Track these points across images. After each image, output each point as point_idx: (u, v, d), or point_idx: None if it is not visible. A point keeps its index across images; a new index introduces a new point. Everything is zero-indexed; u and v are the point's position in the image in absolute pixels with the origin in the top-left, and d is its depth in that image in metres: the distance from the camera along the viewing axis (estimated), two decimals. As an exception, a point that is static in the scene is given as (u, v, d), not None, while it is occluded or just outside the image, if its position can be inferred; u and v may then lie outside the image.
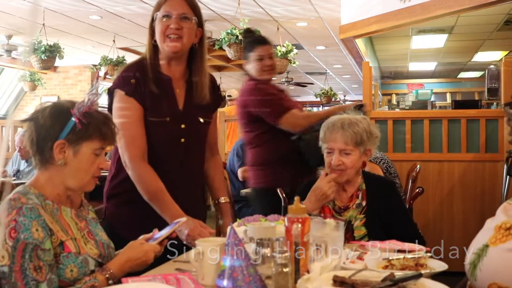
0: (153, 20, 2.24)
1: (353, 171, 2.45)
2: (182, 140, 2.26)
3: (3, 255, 1.52)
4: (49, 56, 7.90)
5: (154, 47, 2.25)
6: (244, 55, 3.63)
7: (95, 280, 1.66)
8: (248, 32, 3.88)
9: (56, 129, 1.69)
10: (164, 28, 2.20)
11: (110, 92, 2.24)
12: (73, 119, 1.69)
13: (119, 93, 2.21)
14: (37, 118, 1.72)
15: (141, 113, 2.20)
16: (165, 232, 1.87)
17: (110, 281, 1.67)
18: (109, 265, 1.73)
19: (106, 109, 2.18)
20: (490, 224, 1.57)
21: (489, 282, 1.46)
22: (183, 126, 2.26)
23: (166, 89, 2.25)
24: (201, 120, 2.34)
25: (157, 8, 2.24)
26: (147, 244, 1.83)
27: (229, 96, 8.95)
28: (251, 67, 3.51)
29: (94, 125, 1.72)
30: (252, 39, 3.63)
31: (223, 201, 2.53)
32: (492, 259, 1.46)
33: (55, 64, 8.57)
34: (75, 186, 1.74)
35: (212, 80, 2.42)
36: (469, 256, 1.56)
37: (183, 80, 2.32)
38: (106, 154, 1.95)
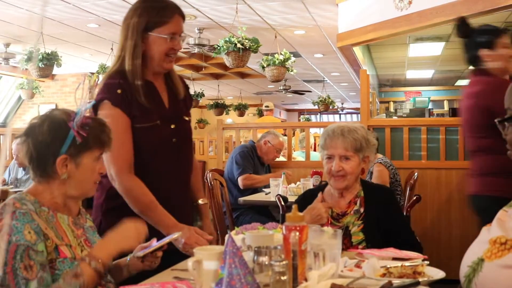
0: (145, 30, 2.18)
1: (352, 177, 2.48)
2: (174, 140, 2.28)
3: None
4: (47, 64, 7.91)
5: (139, 56, 2.20)
6: (472, 46, 3.14)
7: (77, 267, 1.63)
8: (464, 22, 3.26)
9: (57, 144, 1.68)
10: (168, 49, 2.20)
11: (95, 103, 2.16)
12: (71, 132, 1.69)
13: (104, 104, 2.17)
14: (34, 133, 1.70)
15: (128, 124, 2.18)
16: (160, 243, 1.86)
17: (94, 266, 1.63)
18: (91, 251, 1.70)
19: None
20: (486, 236, 1.57)
21: None
22: (172, 126, 2.27)
23: (153, 94, 2.25)
24: (186, 118, 2.38)
25: (159, 22, 2.19)
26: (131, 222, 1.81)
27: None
28: (492, 59, 3.04)
29: (93, 136, 1.72)
30: (490, 29, 3.17)
31: (202, 203, 2.52)
32: (488, 275, 1.46)
33: (53, 72, 8.58)
34: (78, 195, 1.76)
35: (182, 78, 2.44)
36: (464, 269, 1.56)
37: (163, 82, 2.33)
38: None
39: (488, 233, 1.56)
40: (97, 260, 1.63)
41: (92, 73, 9.50)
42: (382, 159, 4.71)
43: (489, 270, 1.46)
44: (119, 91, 2.15)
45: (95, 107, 2.17)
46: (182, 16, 2.26)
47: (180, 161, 2.32)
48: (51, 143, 1.69)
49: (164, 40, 2.18)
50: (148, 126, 2.20)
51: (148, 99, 2.20)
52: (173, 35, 2.19)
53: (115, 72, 2.22)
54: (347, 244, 2.39)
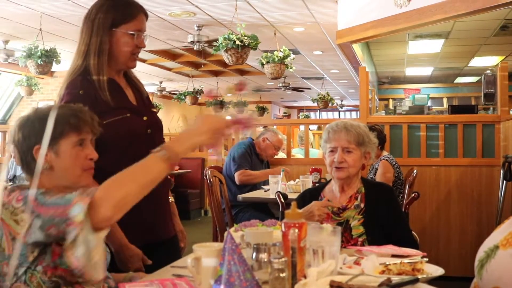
0: (111, 27, 2.18)
1: (354, 170, 2.54)
2: (149, 131, 2.27)
3: (22, 218, 1.53)
4: (46, 61, 7.90)
5: (105, 52, 2.18)
6: None
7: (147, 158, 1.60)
8: None
9: (30, 138, 1.68)
10: (134, 47, 2.20)
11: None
12: (37, 123, 1.69)
13: None
14: (13, 138, 1.72)
15: None
16: None
17: (167, 156, 1.58)
18: (166, 143, 1.64)
19: None
20: (510, 225, 1.57)
21: (493, 285, 1.46)
22: (145, 118, 2.27)
23: (117, 91, 2.23)
24: (154, 110, 2.39)
25: (124, 19, 2.19)
26: (208, 115, 1.68)
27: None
28: None
29: (62, 121, 1.70)
30: None
31: (170, 201, 2.49)
32: (499, 262, 1.46)
33: (52, 69, 8.57)
34: (69, 184, 1.71)
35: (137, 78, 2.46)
36: (480, 253, 1.56)
37: (124, 81, 2.33)
38: None
39: None
40: (169, 148, 1.59)
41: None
42: (388, 157, 4.73)
43: (501, 257, 1.46)
44: (81, 91, 2.12)
45: None
46: (146, 15, 2.29)
47: None
48: (24, 139, 1.69)
49: (131, 37, 2.18)
50: (118, 119, 2.16)
51: (113, 95, 2.18)
52: (138, 32, 2.19)
53: (78, 69, 2.19)
54: (348, 238, 2.44)
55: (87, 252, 1.50)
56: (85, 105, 2.01)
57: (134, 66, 2.28)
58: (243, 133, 2.12)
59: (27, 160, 1.69)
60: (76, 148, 1.71)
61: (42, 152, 1.66)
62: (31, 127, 1.69)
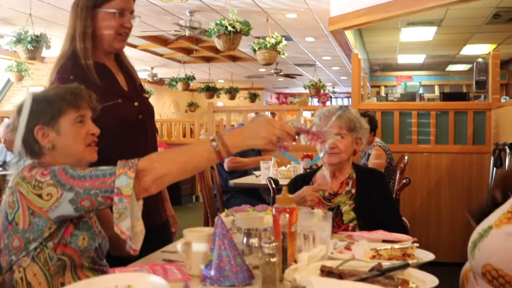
0: (94, 7, 2.14)
1: (345, 156, 2.54)
2: (140, 116, 2.24)
3: (48, 192, 1.53)
4: (36, 46, 7.81)
5: (89, 35, 2.14)
6: None
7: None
8: None
9: (31, 121, 1.69)
10: (118, 26, 2.14)
11: None
12: (35, 104, 1.70)
13: None
14: (14, 124, 1.73)
15: None
16: None
17: (217, 148, 1.57)
18: (221, 134, 1.62)
19: None
20: (506, 206, 1.58)
21: (485, 262, 1.47)
22: (136, 103, 2.24)
23: (108, 76, 2.21)
24: (146, 95, 2.37)
25: None
26: (270, 119, 1.64)
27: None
28: None
29: (58, 99, 1.71)
30: None
31: None
32: (492, 240, 1.47)
33: (42, 55, 8.49)
34: (74, 161, 1.71)
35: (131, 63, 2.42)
36: (474, 235, 1.56)
37: (116, 66, 2.29)
38: None
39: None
40: (222, 141, 1.57)
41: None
42: (381, 143, 4.74)
43: (494, 236, 1.47)
44: (71, 77, 2.08)
45: None
46: None
47: (147, 138, 2.30)
48: (25, 121, 1.69)
49: (113, 15, 2.13)
50: (109, 105, 2.12)
51: (103, 80, 2.15)
52: (122, 10, 2.14)
53: (66, 53, 2.16)
54: (339, 223, 2.44)
55: (133, 222, 1.52)
56: None
57: (121, 47, 2.23)
58: (318, 146, 2.04)
59: (29, 143, 1.70)
60: (76, 125, 1.73)
61: (18, 143, 1.68)
62: (30, 110, 1.69)
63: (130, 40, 12.01)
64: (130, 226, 1.50)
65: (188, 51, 12.08)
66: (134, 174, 1.50)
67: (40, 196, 1.54)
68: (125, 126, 2.18)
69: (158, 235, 2.25)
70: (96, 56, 2.18)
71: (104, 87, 2.12)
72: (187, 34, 8.19)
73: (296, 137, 1.63)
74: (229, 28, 6.69)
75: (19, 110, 1.72)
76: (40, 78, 12.19)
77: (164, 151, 1.63)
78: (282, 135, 1.58)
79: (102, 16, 2.14)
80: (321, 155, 1.91)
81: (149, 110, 2.34)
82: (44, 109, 1.69)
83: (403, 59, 13.32)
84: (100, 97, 2.08)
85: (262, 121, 1.62)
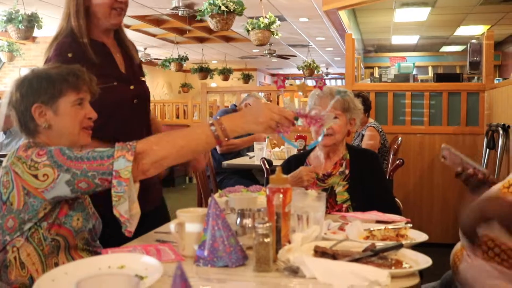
0: None
1: (340, 137, 2.54)
2: (135, 101, 2.22)
3: (45, 173, 1.53)
4: (27, 26, 7.72)
5: (84, 13, 2.12)
6: None
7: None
8: None
9: (29, 98, 1.68)
10: (112, 1, 2.11)
11: None
12: (35, 81, 1.69)
13: None
14: (11, 98, 1.71)
15: None
16: None
17: (216, 133, 1.57)
18: (218, 118, 1.61)
19: None
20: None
21: (482, 233, 1.49)
22: (132, 87, 2.21)
23: (106, 56, 2.18)
24: (143, 79, 2.34)
25: None
26: (269, 104, 1.65)
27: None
28: None
29: (60, 79, 1.70)
30: None
31: None
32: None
33: (34, 35, 8.40)
34: (68, 143, 1.70)
35: (131, 41, 2.39)
36: None
37: (116, 45, 2.26)
38: None
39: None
40: (221, 125, 1.58)
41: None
42: (375, 124, 4.73)
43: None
44: (69, 55, 2.07)
45: None
46: None
47: (143, 122, 2.29)
48: (22, 99, 1.68)
49: None
50: (105, 87, 2.07)
51: (101, 59, 2.13)
52: None
53: (64, 30, 2.14)
54: (332, 203, 2.45)
55: (130, 205, 1.52)
56: None
57: (118, 22, 2.18)
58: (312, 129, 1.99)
59: (25, 120, 1.69)
60: (75, 107, 1.72)
61: None
62: (29, 86, 1.69)
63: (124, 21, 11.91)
64: (128, 209, 1.49)
65: (181, 32, 11.99)
66: (133, 157, 1.49)
67: (36, 176, 1.53)
68: (119, 108, 2.16)
69: (154, 219, 2.22)
70: (94, 34, 2.16)
71: (101, 67, 2.10)
72: (180, 14, 8.12)
73: (295, 122, 1.62)
74: (222, 7, 6.63)
75: (19, 85, 1.70)
76: (32, 58, 12.08)
77: (163, 134, 1.62)
78: (281, 120, 1.58)
79: None
80: (319, 139, 1.90)
81: (145, 94, 2.32)
82: (45, 88, 1.68)
83: (397, 40, 13.29)
84: (96, 76, 2.06)
85: (261, 106, 1.62)
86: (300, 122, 1.65)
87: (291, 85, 6.01)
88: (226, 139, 1.58)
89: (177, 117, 11.91)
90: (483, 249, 1.53)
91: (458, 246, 1.80)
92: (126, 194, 1.48)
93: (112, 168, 1.49)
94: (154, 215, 2.31)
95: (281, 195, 1.49)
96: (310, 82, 21.39)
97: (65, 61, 2.00)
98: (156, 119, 2.55)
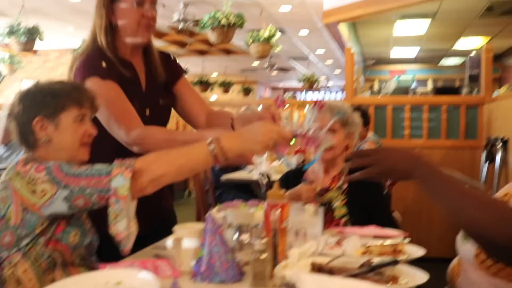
0: (112, 1, 2.08)
1: (339, 151, 2.54)
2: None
3: (43, 189, 1.53)
4: (29, 38, 7.76)
5: (111, 30, 2.09)
6: None
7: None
8: None
9: (32, 111, 1.68)
10: (139, 17, 2.07)
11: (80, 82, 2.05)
12: (39, 94, 1.69)
13: (92, 80, 2.01)
14: (13, 109, 1.71)
15: (121, 90, 2.03)
16: None
17: (214, 152, 1.55)
18: (217, 136, 1.59)
19: None
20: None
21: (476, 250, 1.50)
22: (147, 112, 2.15)
23: (131, 74, 2.14)
24: (161, 102, 2.24)
25: None
26: (268, 124, 1.63)
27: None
28: None
29: (64, 94, 1.70)
30: None
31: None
32: None
33: (35, 48, 8.44)
34: (67, 158, 1.70)
35: (164, 55, 2.30)
36: None
37: (141, 61, 2.22)
38: None
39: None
40: (219, 144, 1.56)
41: (76, 49, 9.33)
42: (374, 138, 4.74)
43: None
44: (103, 64, 2.04)
45: None
46: None
47: None
48: (24, 111, 1.68)
49: (130, 5, 2.06)
50: None
51: (127, 76, 2.09)
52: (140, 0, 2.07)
53: (92, 48, 2.11)
54: (330, 218, 2.44)
55: (128, 222, 1.51)
56: (109, 77, 2.00)
57: (146, 39, 2.13)
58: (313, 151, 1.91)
59: (25, 132, 1.69)
60: (76, 123, 1.71)
61: None
62: (32, 99, 1.69)
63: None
64: (126, 226, 1.49)
65: (181, 45, 12.04)
66: (131, 174, 1.49)
67: (34, 192, 1.53)
68: None
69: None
70: (121, 51, 2.13)
71: (126, 86, 2.05)
72: (180, 27, 8.16)
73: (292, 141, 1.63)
74: (223, 20, 6.67)
75: (22, 97, 1.70)
76: (34, 70, 12.14)
77: (162, 152, 1.62)
78: (279, 140, 1.58)
79: (121, 9, 2.08)
80: (316, 158, 1.90)
81: (160, 118, 2.23)
82: (48, 102, 1.68)
83: (396, 52, 13.34)
84: None
85: (260, 125, 1.62)
86: (294, 141, 1.66)
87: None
88: (224, 159, 1.56)
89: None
90: (481, 258, 1.53)
91: (455, 261, 1.80)
92: (124, 212, 1.48)
93: (110, 186, 1.49)
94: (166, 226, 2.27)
95: (278, 211, 1.50)
96: (310, 95, 21.45)
97: (99, 69, 2.00)
98: (215, 111, 2.31)
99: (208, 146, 1.56)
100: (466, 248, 1.59)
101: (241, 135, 1.62)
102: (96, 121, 1.85)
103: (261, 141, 1.56)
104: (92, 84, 2.00)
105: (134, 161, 1.53)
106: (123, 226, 1.49)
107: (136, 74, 2.17)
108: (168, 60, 2.31)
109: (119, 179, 1.48)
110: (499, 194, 1.67)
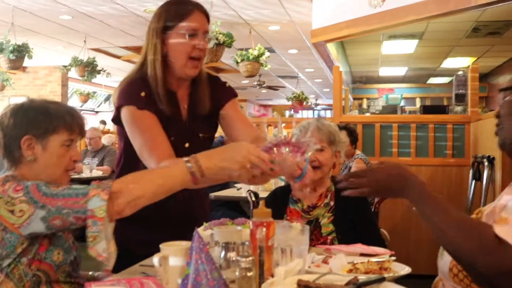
0: (164, 30, 2.02)
1: (326, 169, 2.56)
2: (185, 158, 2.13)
3: (21, 209, 1.51)
4: (18, 56, 7.77)
5: (162, 62, 2.03)
6: None
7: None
8: None
9: (21, 127, 1.67)
10: (190, 49, 2.00)
11: (117, 110, 2.03)
12: (32, 113, 1.68)
13: (129, 109, 1.98)
14: (3, 121, 1.70)
15: (158, 120, 1.98)
16: None
17: (192, 170, 1.55)
18: (195, 155, 1.59)
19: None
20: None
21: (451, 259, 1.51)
22: (187, 145, 2.10)
23: (173, 105, 2.07)
24: (201, 135, 2.18)
25: (176, 19, 2.01)
26: (249, 146, 1.62)
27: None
28: None
29: (57, 116, 1.70)
30: None
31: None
32: None
33: (24, 64, 8.44)
34: (48, 180, 1.67)
35: (212, 80, 2.24)
36: None
37: (187, 94, 2.15)
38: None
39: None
40: (197, 162, 1.55)
41: (65, 66, 9.34)
42: (362, 156, 4.77)
43: None
44: (143, 94, 1.98)
45: (117, 114, 2.03)
46: (204, 12, 2.09)
47: None
48: (14, 126, 1.68)
49: (183, 37, 1.99)
50: None
51: (168, 110, 2.03)
52: (193, 31, 2.00)
53: (136, 78, 2.06)
54: (317, 235, 2.45)
55: (107, 244, 1.49)
56: (147, 107, 1.96)
57: (193, 74, 2.07)
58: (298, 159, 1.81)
59: (11, 148, 1.68)
60: (63, 147, 1.71)
61: None
62: (24, 115, 1.68)
63: (113, 51, 11.86)
64: (105, 248, 1.48)
65: (171, 62, 12.06)
66: (107, 196, 1.47)
67: (12, 212, 1.52)
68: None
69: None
70: (168, 82, 2.07)
71: (166, 118, 2.02)
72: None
73: (272, 165, 1.62)
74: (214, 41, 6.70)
75: (14, 112, 1.69)
76: (22, 88, 12.12)
77: (142, 172, 1.60)
78: (256, 162, 1.58)
79: (172, 39, 2.01)
80: (305, 169, 1.89)
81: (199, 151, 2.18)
82: (40, 121, 1.67)
83: (385, 71, 13.45)
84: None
85: (239, 145, 1.63)
86: (284, 152, 1.66)
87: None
88: (202, 176, 1.55)
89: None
90: (453, 272, 1.55)
91: (437, 278, 1.81)
92: (102, 234, 1.46)
93: (86, 207, 1.47)
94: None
95: (264, 229, 1.50)
96: (299, 113, 21.54)
97: (137, 99, 1.96)
98: (262, 137, 2.13)
99: (185, 163, 1.56)
100: (442, 262, 1.61)
101: (218, 153, 1.61)
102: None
103: (239, 161, 1.56)
104: (128, 112, 1.98)
105: (111, 182, 1.51)
106: (102, 248, 1.47)
107: (178, 106, 2.11)
108: (216, 84, 2.24)
109: (96, 200, 1.47)
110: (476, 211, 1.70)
